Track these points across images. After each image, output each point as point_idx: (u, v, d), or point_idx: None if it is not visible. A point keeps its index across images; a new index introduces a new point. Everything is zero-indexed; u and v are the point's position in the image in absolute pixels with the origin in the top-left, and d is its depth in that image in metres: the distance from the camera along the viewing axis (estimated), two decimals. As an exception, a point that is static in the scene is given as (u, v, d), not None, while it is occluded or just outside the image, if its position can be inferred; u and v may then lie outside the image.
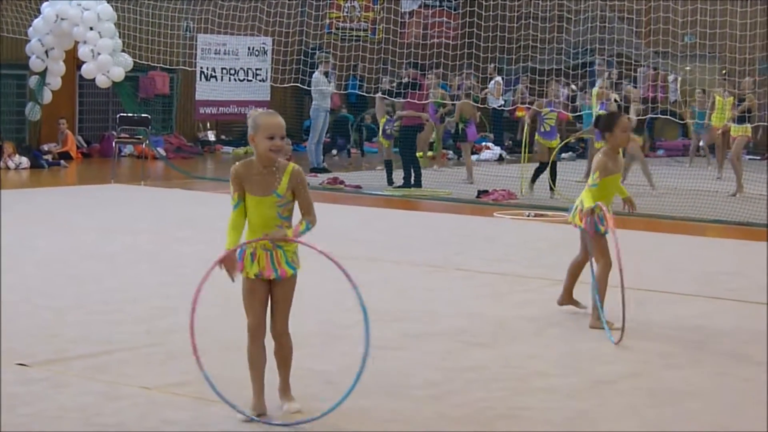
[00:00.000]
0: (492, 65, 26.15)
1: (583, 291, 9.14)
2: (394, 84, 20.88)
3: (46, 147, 22.66)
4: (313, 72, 22.39)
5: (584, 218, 8.65)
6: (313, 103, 21.99)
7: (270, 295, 6.12)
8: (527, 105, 24.61)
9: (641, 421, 6.36)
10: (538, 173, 18.45)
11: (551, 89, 19.00)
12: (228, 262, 5.96)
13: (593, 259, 8.84)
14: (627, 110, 17.73)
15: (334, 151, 24.54)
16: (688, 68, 25.14)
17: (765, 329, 8.75)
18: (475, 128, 21.50)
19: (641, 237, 13.99)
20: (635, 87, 21.54)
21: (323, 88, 21.88)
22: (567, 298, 9.22)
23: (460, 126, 20.60)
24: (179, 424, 6.04)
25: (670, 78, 27.64)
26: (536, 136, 18.71)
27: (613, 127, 8.72)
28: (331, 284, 9.97)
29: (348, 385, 6.76)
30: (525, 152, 19.33)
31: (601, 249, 8.75)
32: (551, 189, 18.26)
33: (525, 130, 19.64)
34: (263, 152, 5.99)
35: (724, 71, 24.07)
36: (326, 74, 22.26)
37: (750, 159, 26.32)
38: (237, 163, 6.14)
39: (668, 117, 23.32)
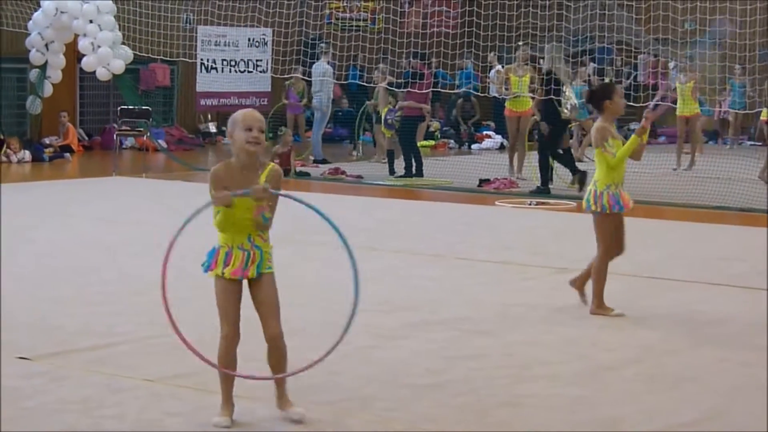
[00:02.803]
0: (492, 54, 26.12)
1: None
2: (400, 75, 20.84)
3: (47, 140, 22.67)
4: (314, 62, 22.37)
5: (598, 200, 8.64)
6: (319, 94, 21.92)
7: (253, 298, 5.93)
8: (530, 95, 24.64)
9: (642, 406, 6.37)
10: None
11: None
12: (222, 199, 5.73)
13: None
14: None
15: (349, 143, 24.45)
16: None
17: (764, 314, 8.77)
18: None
19: (641, 224, 13.99)
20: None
21: (329, 78, 21.89)
22: (580, 285, 9.01)
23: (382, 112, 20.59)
24: (181, 415, 6.05)
25: (671, 65, 27.60)
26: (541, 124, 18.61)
27: (612, 94, 8.72)
28: (331, 272, 10.01)
29: (350, 376, 6.80)
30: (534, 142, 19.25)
31: (603, 232, 8.74)
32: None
33: (530, 121, 19.60)
34: (240, 146, 5.77)
35: (686, 56, 24.04)
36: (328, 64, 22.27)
37: (751, 145, 26.30)
38: (217, 164, 5.94)
39: (669, 104, 23.27)
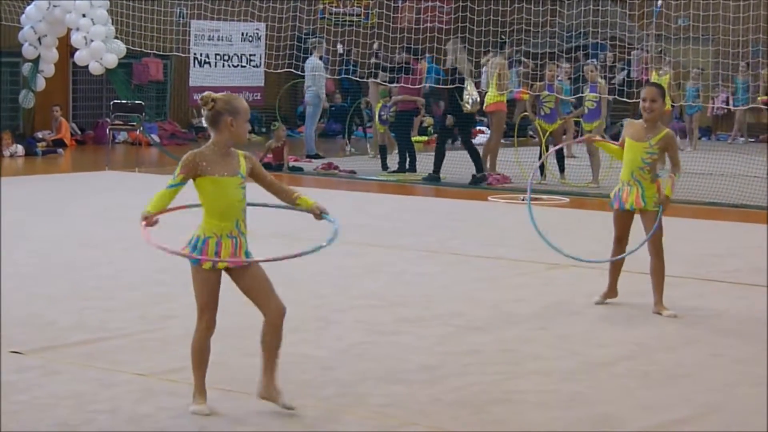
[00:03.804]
0: (485, 49, 26.14)
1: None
2: (385, 67, 20.81)
3: (40, 134, 22.61)
4: (307, 57, 22.34)
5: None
6: (311, 89, 21.91)
7: (242, 283, 5.92)
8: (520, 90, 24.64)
9: (636, 402, 6.37)
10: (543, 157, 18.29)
11: (550, 73, 18.76)
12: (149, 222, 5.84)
13: None
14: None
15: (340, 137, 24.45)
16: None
17: (758, 310, 8.78)
18: None
19: (635, 220, 13.98)
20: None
21: (321, 73, 21.86)
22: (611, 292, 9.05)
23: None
24: (174, 410, 6.04)
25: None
26: (536, 120, 18.58)
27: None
28: (326, 268, 10.00)
29: (345, 372, 6.79)
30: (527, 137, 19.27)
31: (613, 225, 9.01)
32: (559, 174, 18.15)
33: (518, 116, 19.64)
34: (243, 135, 5.94)
35: (660, 50, 24.02)
36: (320, 58, 22.24)
37: (744, 142, 26.31)
38: (194, 150, 5.95)
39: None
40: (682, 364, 7.25)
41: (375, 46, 23.67)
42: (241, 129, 5.92)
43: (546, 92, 18.27)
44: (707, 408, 6.31)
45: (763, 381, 6.80)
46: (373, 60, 22.40)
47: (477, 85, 19.29)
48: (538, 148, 18.47)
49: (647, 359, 7.35)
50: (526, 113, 18.71)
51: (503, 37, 21.25)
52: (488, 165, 18.49)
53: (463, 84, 18.02)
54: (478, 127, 27.18)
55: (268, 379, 5.96)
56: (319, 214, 6.04)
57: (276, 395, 5.96)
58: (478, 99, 18.29)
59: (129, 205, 14.68)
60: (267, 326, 5.94)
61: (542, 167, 18.11)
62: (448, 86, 18.31)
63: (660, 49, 23.70)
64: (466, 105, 18.01)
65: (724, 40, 24.01)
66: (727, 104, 24.76)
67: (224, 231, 5.86)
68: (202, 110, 5.98)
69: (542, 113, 18.34)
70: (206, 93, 5.94)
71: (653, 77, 20.91)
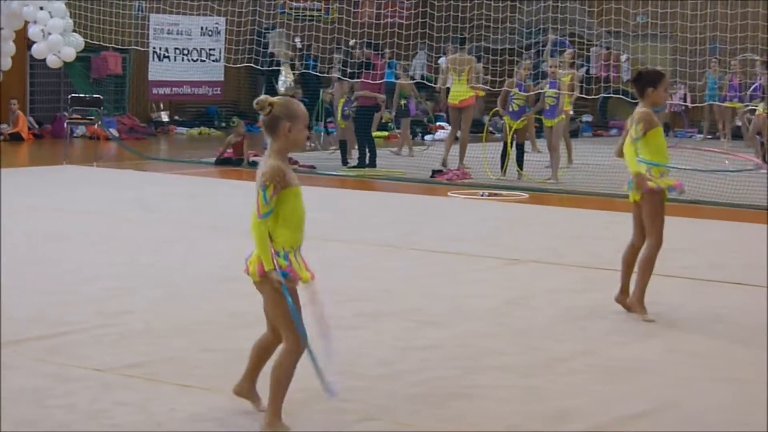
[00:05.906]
0: (446, 45, 26.18)
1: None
2: (346, 63, 20.81)
3: (-4, 127, 22.48)
4: (266, 51, 22.32)
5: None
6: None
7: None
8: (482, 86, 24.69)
9: (593, 397, 6.41)
10: (505, 154, 18.25)
11: (522, 70, 18.66)
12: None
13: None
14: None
15: None
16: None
17: (714, 306, 8.85)
18: (414, 105, 22.85)
19: (593, 216, 14.09)
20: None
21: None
22: (623, 298, 8.62)
23: (402, 102, 21.23)
24: (131, 405, 6.01)
25: (623, 57, 27.79)
26: (505, 116, 18.52)
27: (658, 83, 8.49)
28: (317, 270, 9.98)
29: (303, 366, 6.77)
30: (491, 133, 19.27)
31: (653, 216, 8.84)
32: (518, 171, 18.11)
33: (491, 112, 19.65)
34: (300, 141, 5.58)
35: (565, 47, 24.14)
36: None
37: (710, 138, 26.49)
38: (274, 162, 5.48)
39: (621, 96, 23.43)
40: (639, 359, 7.29)
41: (351, 43, 23.57)
42: (299, 135, 5.53)
43: (516, 90, 18.15)
44: (664, 403, 6.35)
45: (720, 376, 6.86)
46: (340, 56, 22.34)
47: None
48: (502, 143, 18.46)
49: (605, 354, 7.39)
50: (497, 109, 18.66)
51: (464, 33, 21.27)
52: (446, 159, 18.56)
53: (279, 67, 19.72)
54: (438, 123, 27.27)
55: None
56: None
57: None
58: (293, 83, 20.01)
59: (87, 199, 14.63)
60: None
61: (503, 163, 18.12)
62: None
63: (569, 48, 23.72)
64: (281, 89, 19.83)
65: (681, 37, 24.16)
66: (685, 101, 24.88)
67: (295, 244, 5.58)
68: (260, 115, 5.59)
69: (510, 109, 18.24)
70: (263, 97, 5.57)
71: (558, 78, 20.48)
